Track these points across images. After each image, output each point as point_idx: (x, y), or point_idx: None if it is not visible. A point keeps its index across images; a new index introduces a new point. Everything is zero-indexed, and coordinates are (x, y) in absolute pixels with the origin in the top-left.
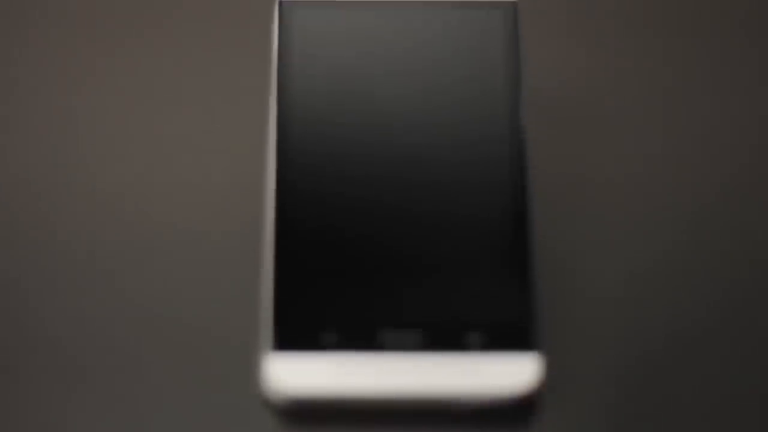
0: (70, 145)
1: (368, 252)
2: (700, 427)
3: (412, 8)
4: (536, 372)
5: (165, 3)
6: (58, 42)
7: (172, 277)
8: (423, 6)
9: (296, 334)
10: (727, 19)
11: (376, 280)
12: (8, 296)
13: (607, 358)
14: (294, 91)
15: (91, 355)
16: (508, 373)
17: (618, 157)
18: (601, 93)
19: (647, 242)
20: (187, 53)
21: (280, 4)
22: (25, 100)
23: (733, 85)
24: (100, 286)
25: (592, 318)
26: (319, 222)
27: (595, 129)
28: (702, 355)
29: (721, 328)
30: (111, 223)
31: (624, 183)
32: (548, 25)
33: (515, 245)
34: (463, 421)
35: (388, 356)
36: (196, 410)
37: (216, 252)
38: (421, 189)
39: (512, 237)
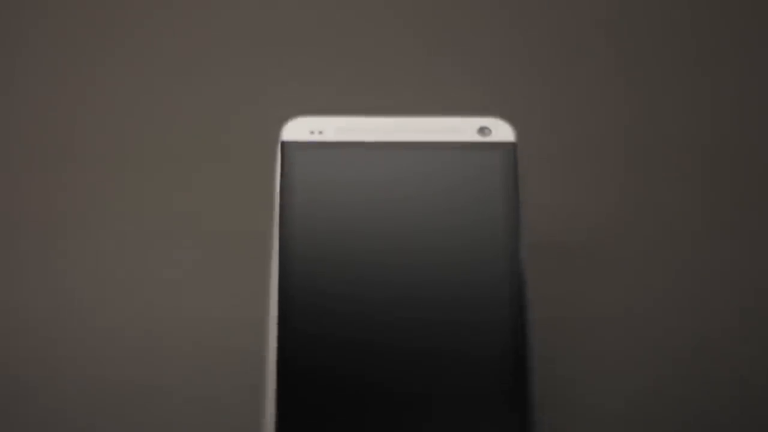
0: (72, 285)
1: (369, 391)
2: None
3: (412, 148)
4: None
5: (166, 141)
6: (60, 186)
7: (175, 421)
8: (423, 146)
9: None
10: (726, 158)
11: (376, 419)
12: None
13: None
14: (296, 228)
15: None
16: None
17: (617, 295)
18: (600, 231)
19: (647, 379)
20: (188, 190)
21: (283, 143)
22: (27, 243)
23: (733, 226)
24: (100, 423)
25: None
26: (320, 360)
27: (594, 267)
28: None
29: None
30: (113, 358)
31: (623, 320)
32: (548, 165)
33: (516, 383)
34: None
35: None
36: None
37: (218, 389)
38: (421, 328)
39: (513, 375)
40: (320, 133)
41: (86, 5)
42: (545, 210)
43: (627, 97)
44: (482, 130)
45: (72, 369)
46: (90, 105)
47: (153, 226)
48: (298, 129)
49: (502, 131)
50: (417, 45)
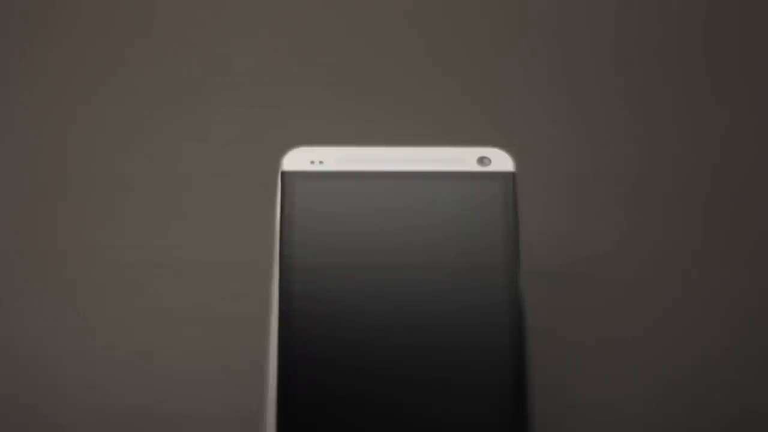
0: (74, 314)
1: (368, 419)
2: None
3: (412, 178)
4: None
5: (165, 171)
6: (61, 217)
7: None
8: (423, 176)
9: None
10: (727, 187)
11: None
12: None
13: None
14: (296, 257)
15: None
16: None
17: (616, 323)
18: (599, 260)
19: (646, 408)
20: (187, 219)
21: (283, 173)
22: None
23: (733, 255)
24: None
25: None
26: (319, 387)
27: (592, 295)
28: None
29: None
30: (113, 387)
31: (622, 348)
32: (547, 194)
33: (514, 412)
34: None
35: None
36: None
37: (218, 416)
38: (420, 356)
39: (510, 403)
40: (320, 163)
41: (81, 35)
42: (544, 239)
43: (626, 126)
44: (482, 160)
45: (72, 396)
46: (90, 133)
47: (153, 256)
48: (299, 159)
49: (501, 161)
50: (417, 75)
